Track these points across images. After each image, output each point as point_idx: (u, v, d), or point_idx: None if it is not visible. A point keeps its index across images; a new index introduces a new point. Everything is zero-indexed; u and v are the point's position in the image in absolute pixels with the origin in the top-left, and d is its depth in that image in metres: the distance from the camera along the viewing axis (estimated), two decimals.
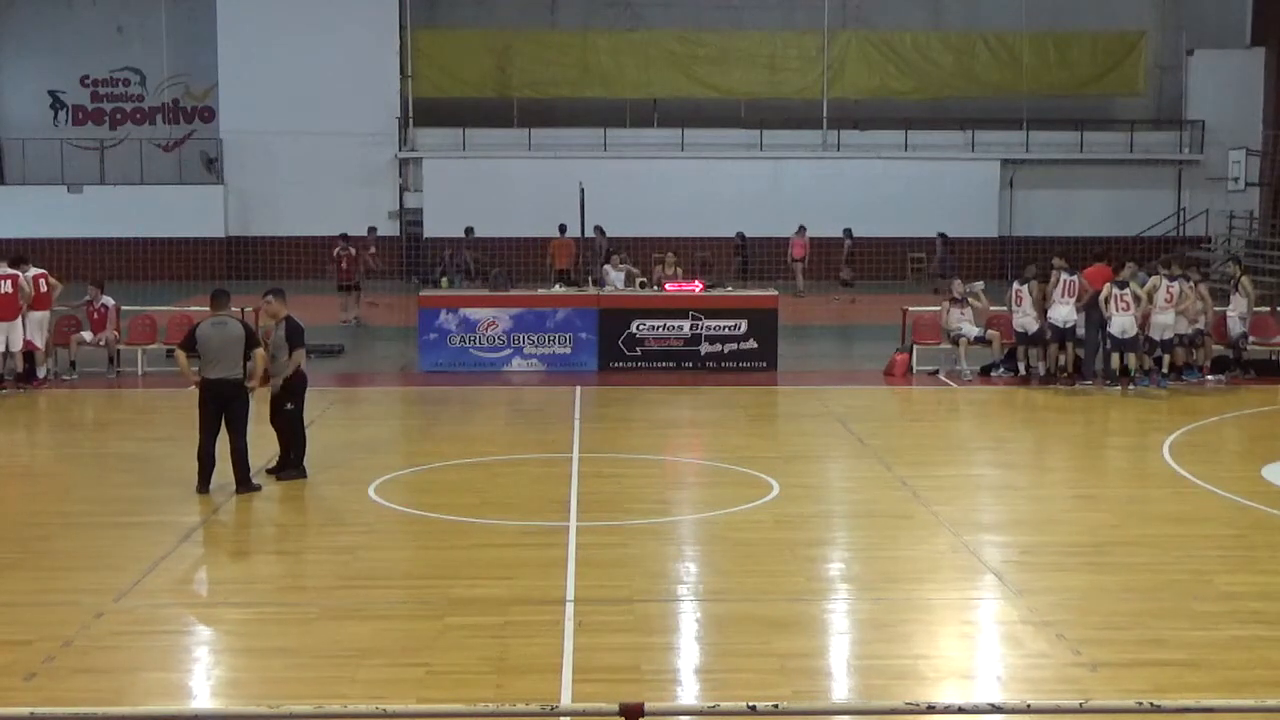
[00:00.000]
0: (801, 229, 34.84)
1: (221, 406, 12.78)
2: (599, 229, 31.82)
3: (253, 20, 38.03)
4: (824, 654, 8.87)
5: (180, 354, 13.12)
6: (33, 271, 19.74)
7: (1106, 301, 19.07)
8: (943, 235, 34.84)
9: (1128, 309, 19.04)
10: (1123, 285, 19.16)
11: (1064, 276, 19.54)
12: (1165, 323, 19.31)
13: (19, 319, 19.11)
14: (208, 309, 13.23)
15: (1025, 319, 19.81)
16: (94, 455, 15.40)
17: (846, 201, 37.27)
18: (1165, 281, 19.40)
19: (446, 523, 11.91)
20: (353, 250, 28.39)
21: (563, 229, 31.24)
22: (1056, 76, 39.98)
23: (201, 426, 12.82)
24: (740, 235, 35.56)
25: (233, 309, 13.53)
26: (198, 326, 13.03)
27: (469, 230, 34.11)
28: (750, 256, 35.10)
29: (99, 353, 20.85)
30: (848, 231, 35.19)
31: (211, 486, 12.76)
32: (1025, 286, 19.90)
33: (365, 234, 32.29)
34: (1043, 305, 19.71)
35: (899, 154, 39.16)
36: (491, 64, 39.62)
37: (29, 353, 19.58)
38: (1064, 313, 19.45)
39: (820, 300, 32.93)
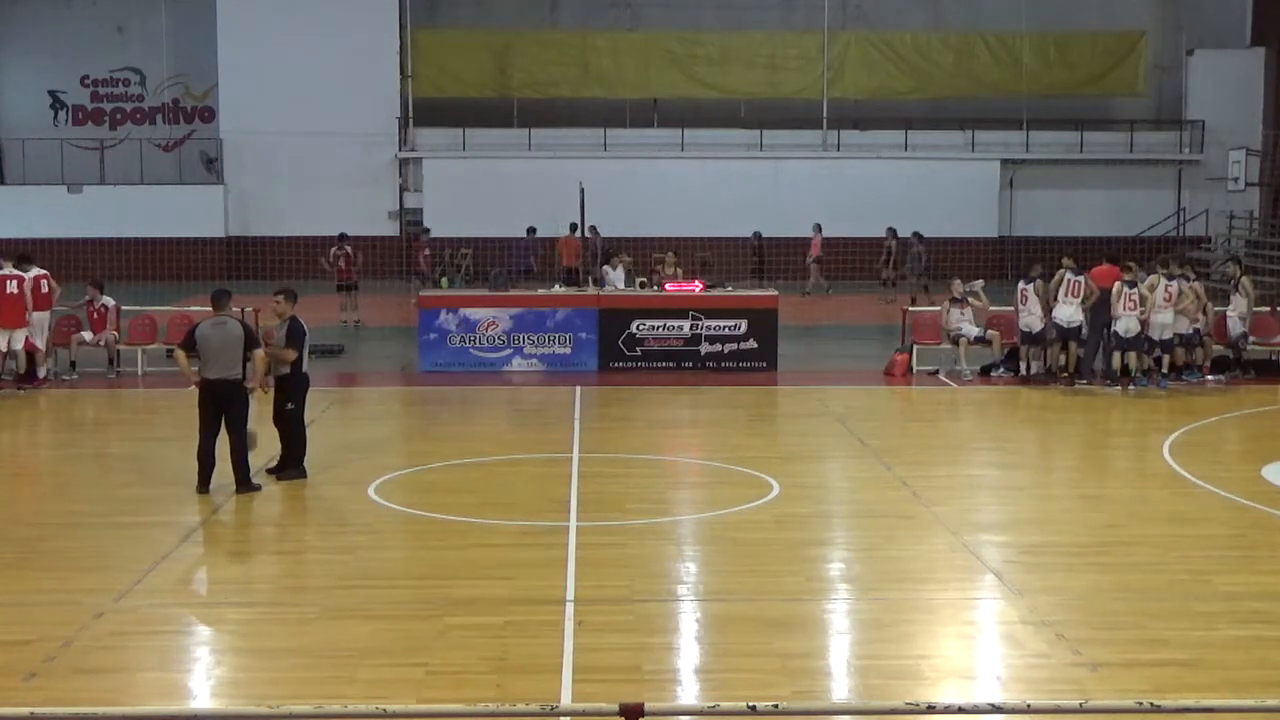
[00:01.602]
0: (818, 228, 34.61)
1: (221, 407, 12.78)
2: (594, 229, 31.79)
3: (253, 20, 38.05)
4: (824, 654, 8.87)
5: (180, 354, 13.14)
6: (34, 272, 19.73)
7: (1117, 300, 19.10)
8: (918, 234, 33.66)
9: (1134, 308, 19.10)
10: (1131, 285, 19.21)
11: (1069, 276, 19.55)
12: (1164, 322, 19.35)
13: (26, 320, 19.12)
14: (207, 309, 13.24)
15: (1030, 318, 19.85)
16: (94, 455, 15.40)
17: (846, 201, 37.26)
18: (1164, 281, 19.42)
19: (446, 523, 11.91)
20: (349, 249, 28.45)
21: (574, 227, 31.28)
22: (1056, 76, 40.00)
23: (201, 427, 12.82)
24: (757, 235, 35.41)
25: (233, 309, 13.54)
26: (197, 326, 13.03)
27: (531, 230, 33.01)
28: (766, 256, 34.88)
29: (99, 353, 20.85)
30: (892, 231, 34.30)
31: (211, 486, 12.76)
32: (1031, 286, 19.93)
33: (419, 235, 32.34)
34: (1047, 304, 19.73)
35: (899, 154, 39.17)
36: (491, 64, 39.64)
37: (29, 353, 19.58)
38: (1068, 312, 19.47)
39: (864, 300, 32.62)
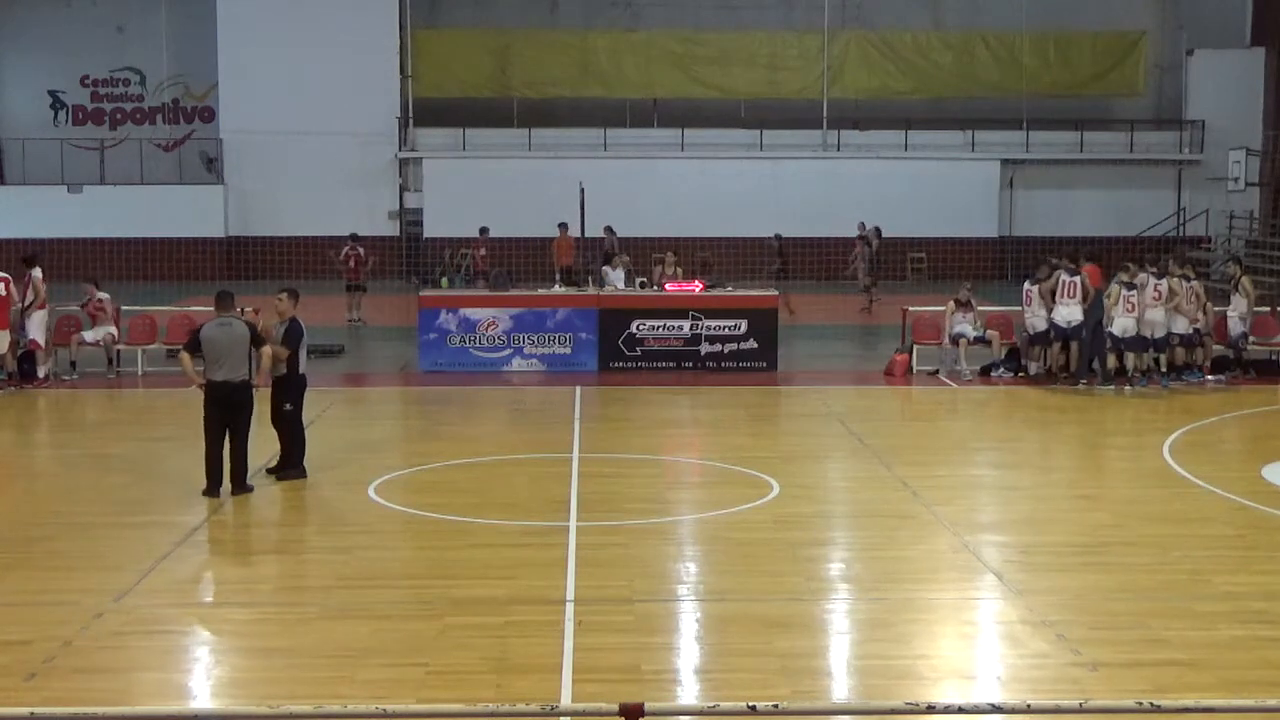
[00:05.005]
0: (863, 226, 34.21)
1: (229, 409, 12.71)
2: (609, 229, 31.71)
3: (253, 20, 38.05)
4: (824, 654, 8.87)
5: (185, 356, 13.11)
6: (36, 272, 19.73)
7: (1115, 303, 19.16)
8: (878, 229, 32.38)
9: (1132, 310, 19.16)
10: (1131, 287, 19.27)
11: (1064, 277, 19.58)
12: (1155, 320, 19.41)
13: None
14: (208, 309, 13.23)
15: (1034, 319, 19.90)
16: (94, 455, 15.38)
17: (846, 201, 37.18)
18: (1153, 280, 19.51)
19: (446, 523, 11.91)
20: (360, 250, 28.45)
21: (564, 227, 31.25)
22: (1056, 76, 40.00)
23: (207, 430, 12.75)
24: (777, 236, 35.10)
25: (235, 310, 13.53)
26: (202, 328, 12.99)
27: (610, 229, 32.33)
28: (789, 257, 34.43)
29: (99, 353, 20.84)
30: (876, 229, 33.44)
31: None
32: (1035, 287, 19.97)
33: (479, 235, 32.14)
34: (1048, 306, 19.75)
35: (899, 154, 39.16)
36: (491, 64, 39.63)
37: (29, 352, 19.57)
38: (1065, 313, 19.49)
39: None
